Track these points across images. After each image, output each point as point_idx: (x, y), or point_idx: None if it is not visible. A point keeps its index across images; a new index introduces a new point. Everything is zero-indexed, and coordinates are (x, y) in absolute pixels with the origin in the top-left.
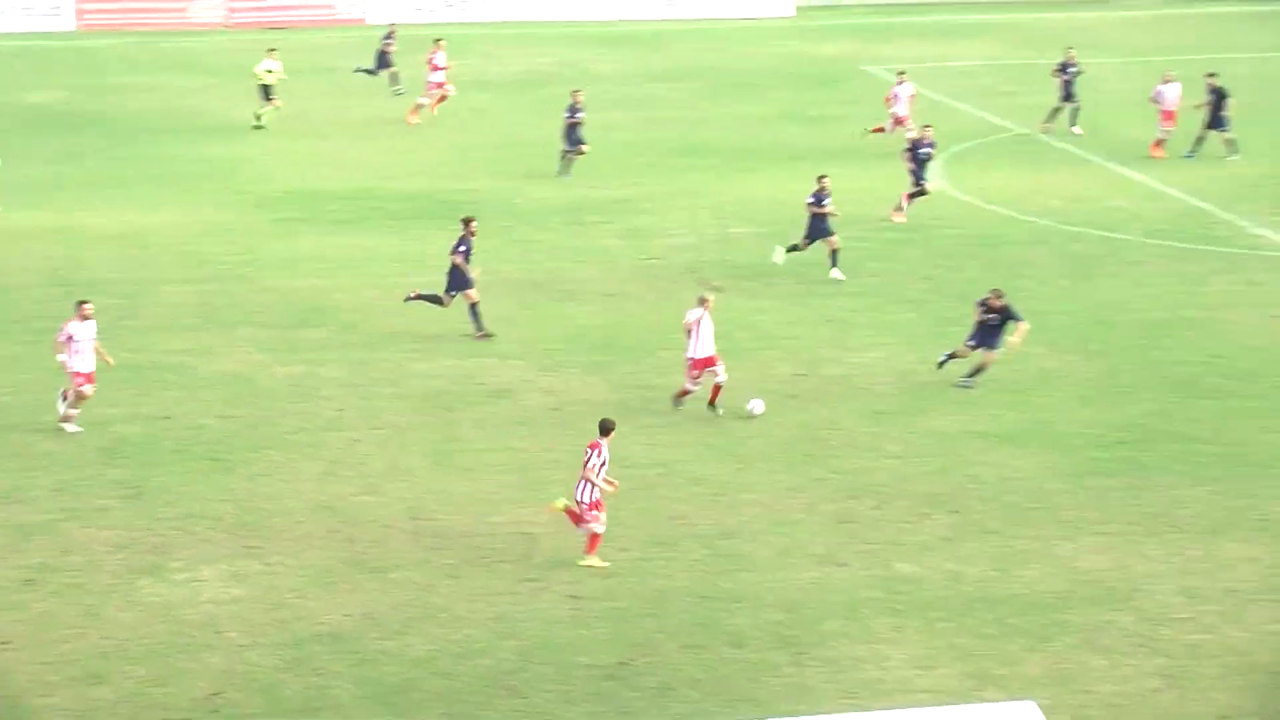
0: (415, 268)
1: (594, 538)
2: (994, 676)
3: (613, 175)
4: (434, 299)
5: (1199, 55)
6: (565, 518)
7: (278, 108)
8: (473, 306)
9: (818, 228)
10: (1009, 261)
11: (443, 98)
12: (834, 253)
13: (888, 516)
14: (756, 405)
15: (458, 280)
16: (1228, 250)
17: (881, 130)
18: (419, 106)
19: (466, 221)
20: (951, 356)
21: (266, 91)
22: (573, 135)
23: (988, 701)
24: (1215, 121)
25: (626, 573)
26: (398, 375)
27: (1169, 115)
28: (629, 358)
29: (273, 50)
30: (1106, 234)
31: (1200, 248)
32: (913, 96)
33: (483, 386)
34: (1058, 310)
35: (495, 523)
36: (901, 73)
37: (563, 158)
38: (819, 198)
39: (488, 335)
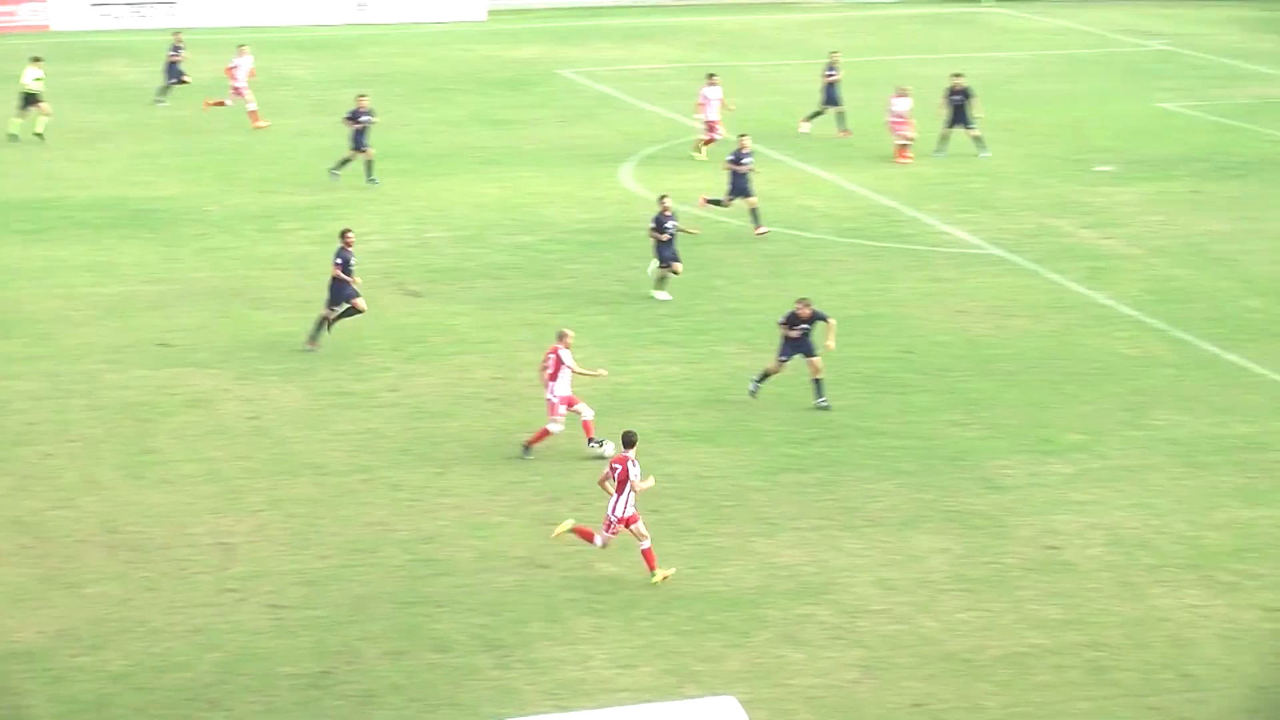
0: (105, 278)
1: (647, 554)
2: (694, 673)
3: (307, 181)
4: (346, 313)
5: (881, 56)
6: (575, 537)
7: (47, 114)
8: (324, 320)
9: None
10: (704, 261)
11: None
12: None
13: (587, 518)
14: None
15: (339, 293)
16: (915, 248)
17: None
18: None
19: (343, 233)
20: (765, 377)
21: (30, 100)
22: (359, 140)
23: (688, 698)
24: (960, 119)
25: (327, 580)
26: (91, 387)
27: (903, 122)
28: (326, 364)
29: (38, 59)
30: (799, 233)
31: (889, 245)
32: (722, 101)
33: (178, 397)
34: (752, 309)
35: (193, 534)
36: (711, 75)
37: (339, 163)
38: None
39: (316, 348)
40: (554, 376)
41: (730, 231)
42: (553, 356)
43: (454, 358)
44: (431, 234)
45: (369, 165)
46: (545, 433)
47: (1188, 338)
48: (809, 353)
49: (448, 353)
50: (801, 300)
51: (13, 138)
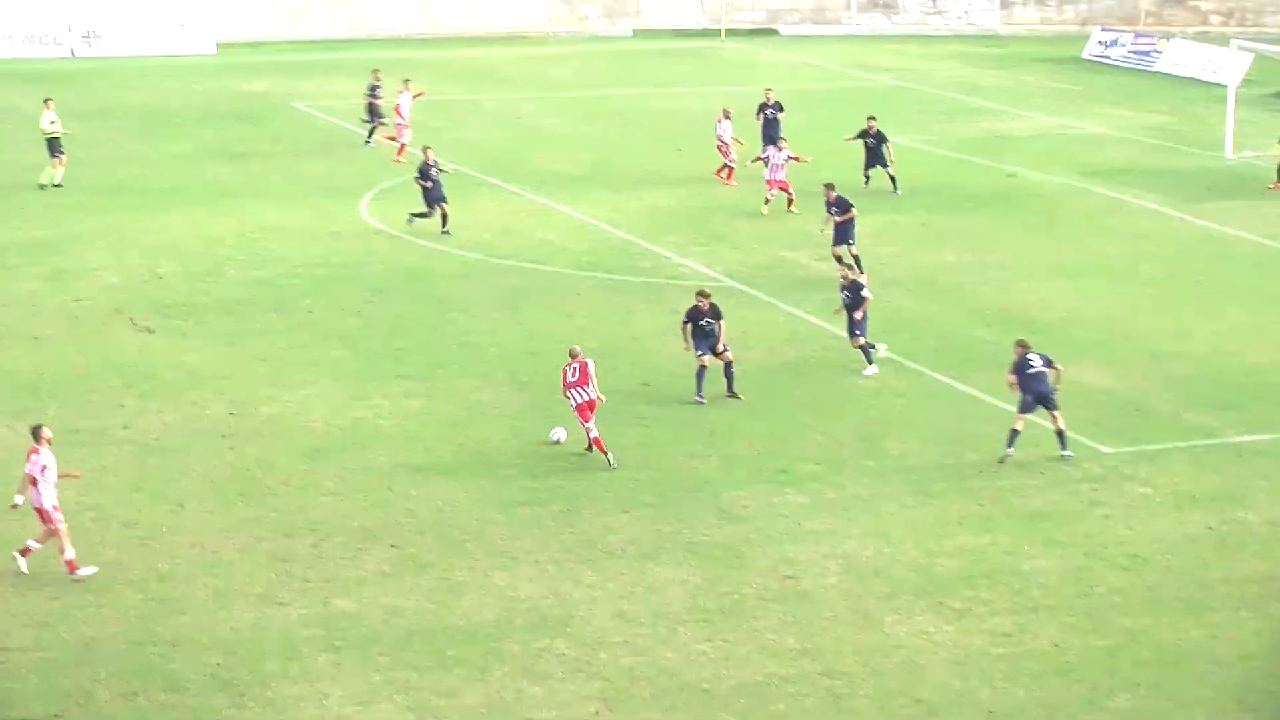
0: None
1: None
2: (434, 708)
3: (34, 216)
4: None
5: (616, 90)
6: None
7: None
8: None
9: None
10: (440, 295)
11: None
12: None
13: (325, 553)
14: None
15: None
16: (653, 280)
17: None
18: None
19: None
20: (702, 370)
21: (53, 146)
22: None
23: None
24: (876, 160)
25: (56, 622)
26: None
27: (726, 148)
28: (55, 402)
29: (49, 100)
30: (536, 266)
31: (627, 279)
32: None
33: None
34: (490, 343)
35: None
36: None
37: None
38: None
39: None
40: None
41: (467, 264)
42: None
43: (187, 393)
44: (164, 268)
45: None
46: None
47: (920, 368)
48: (716, 351)
49: (181, 388)
50: (700, 292)
51: (47, 187)
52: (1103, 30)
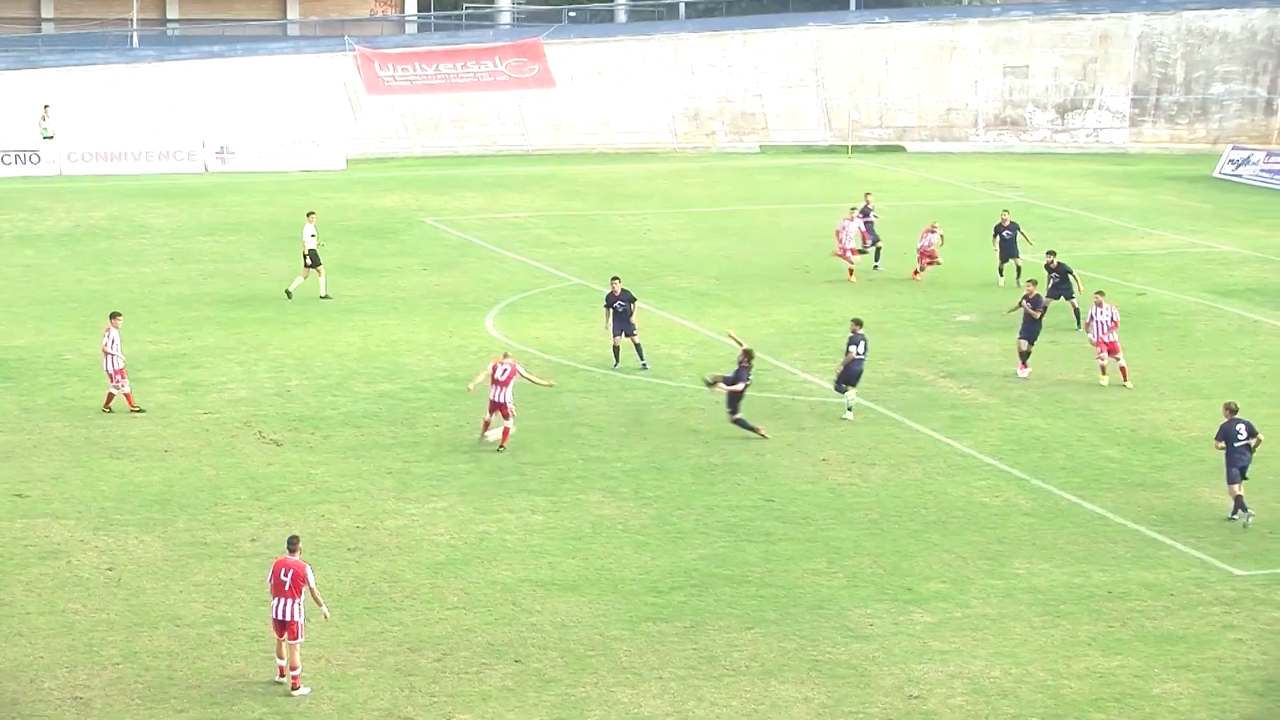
0: None
1: None
2: None
3: (167, 329)
4: None
5: (739, 205)
6: None
7: (314, 274)
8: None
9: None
10: (565, 410)
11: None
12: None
13: (449, 668)
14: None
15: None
16: (778, 396)
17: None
18: None
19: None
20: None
21: (313, 258)
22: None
23: None
24: (1011, 253)
25: None
26: None
27: (931, 251)
28: (185, 514)
29: (312, 214)
30: (661, 381)
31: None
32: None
33: (33, 548)
34: (614, 458)
35: (46, 689)
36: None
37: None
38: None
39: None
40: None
41: (592, 380)
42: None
43: (314, 507)
44: (292, 382)
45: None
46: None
47: (1047, 487)
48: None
49: (308, 502)
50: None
51: (322, 297)
52: (1234, 149)
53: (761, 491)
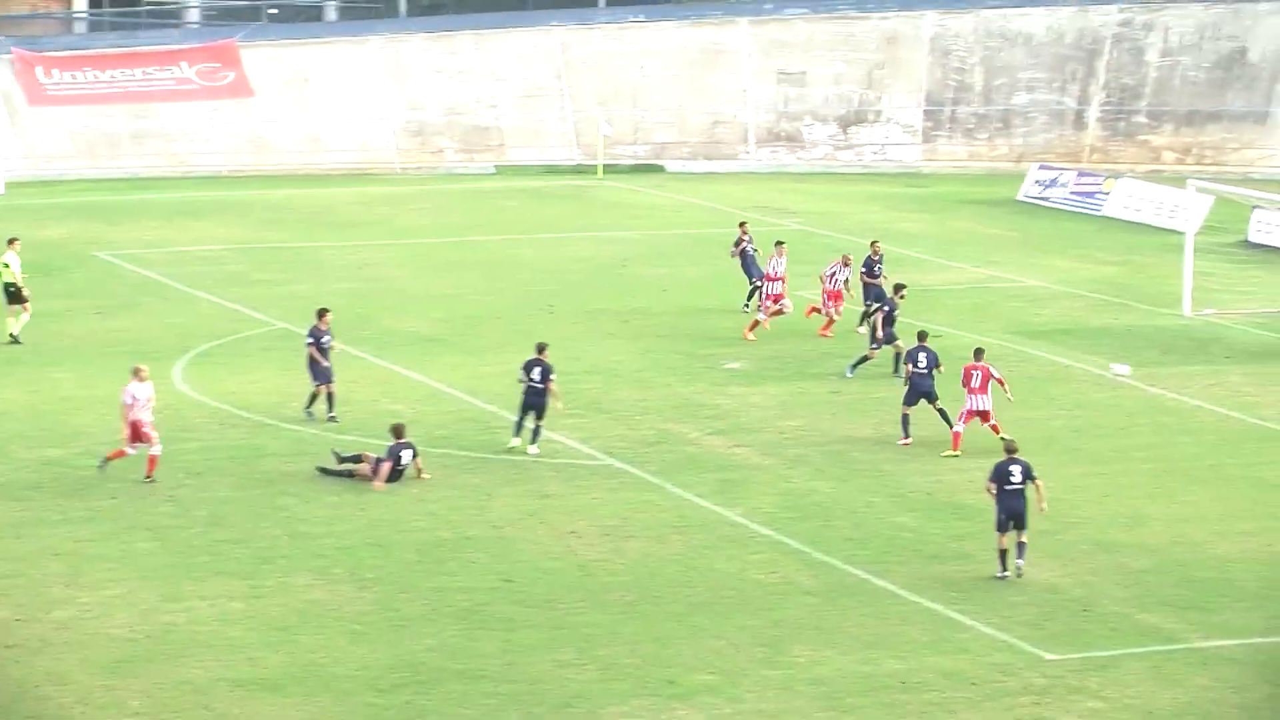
0: None
1: None
2: None
3: None
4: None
5: (477, 236)
6: None
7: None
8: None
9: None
10: (268, 477)
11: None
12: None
13: None
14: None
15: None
16: (517, 459)
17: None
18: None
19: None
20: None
21: (14, 295)
22: None
23: None
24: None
25: None
26: None
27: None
28: None
29: (14, 241)
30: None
31: (486, 456)
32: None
33: None
34: (326, 532)
35: None
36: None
37: None
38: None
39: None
40: None
41: (301, 441)
42: None
43: None
44: None
45: None
46: None
47: (831, 560)
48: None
49: None
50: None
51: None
52: (1041, 168)
53: (499, 571)
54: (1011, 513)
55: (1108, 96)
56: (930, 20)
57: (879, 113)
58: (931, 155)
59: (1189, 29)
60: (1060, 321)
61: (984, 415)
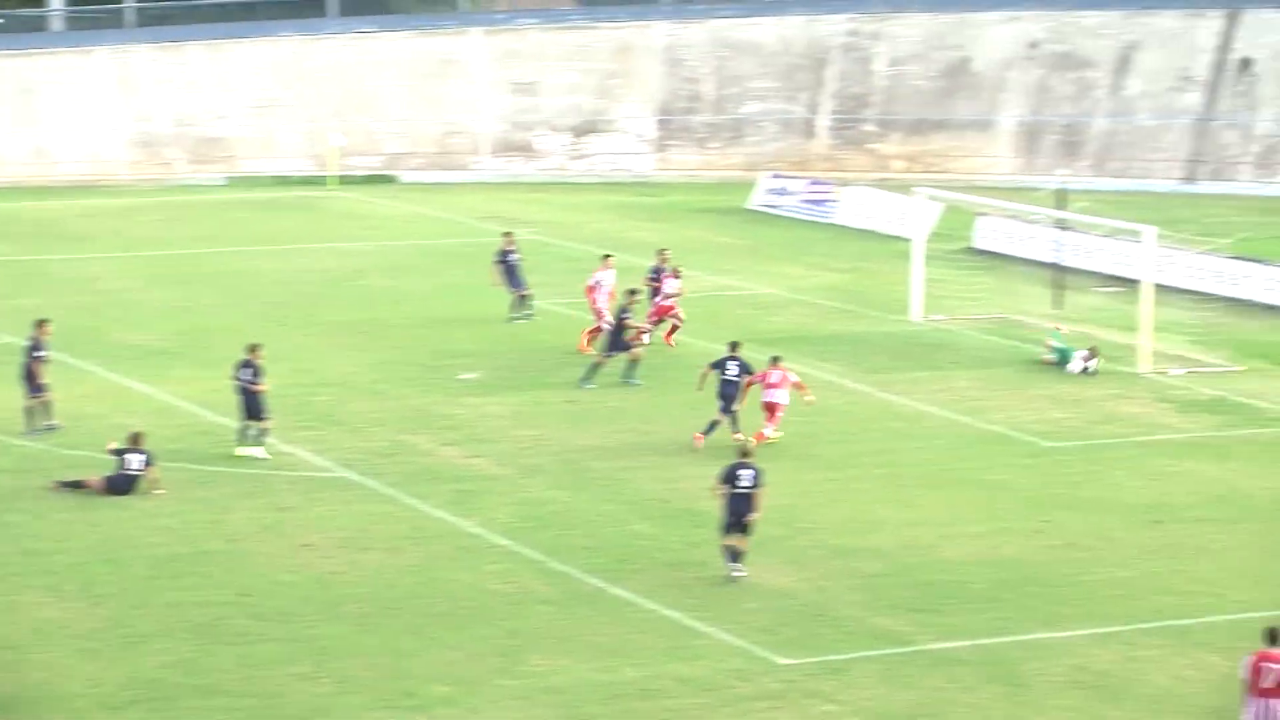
0: None
1: None
2: None
3: None
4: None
5: (204, 248)
6: None
7: None
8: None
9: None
10: None
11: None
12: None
13: None
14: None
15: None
16: (251, 472)
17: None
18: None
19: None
20: None
21: None
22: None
23: None
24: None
25: None
26: None
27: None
28: None
29: None
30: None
31: (220, 470)
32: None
33: None
34: (56, 549)
35: None
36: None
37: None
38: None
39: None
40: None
41: (28, 456)
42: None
43: None
44: None
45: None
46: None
47: (568, 569)
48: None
49: None
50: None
51: None
52: (772, 177)
53: (236, 585)
54: (737, 516)
55: (837, 105)
56: (662, 30)
57: (612, 122)
58: (664, 164)
59: (915, 38)
60: (792, 329)
61: (772, 408)
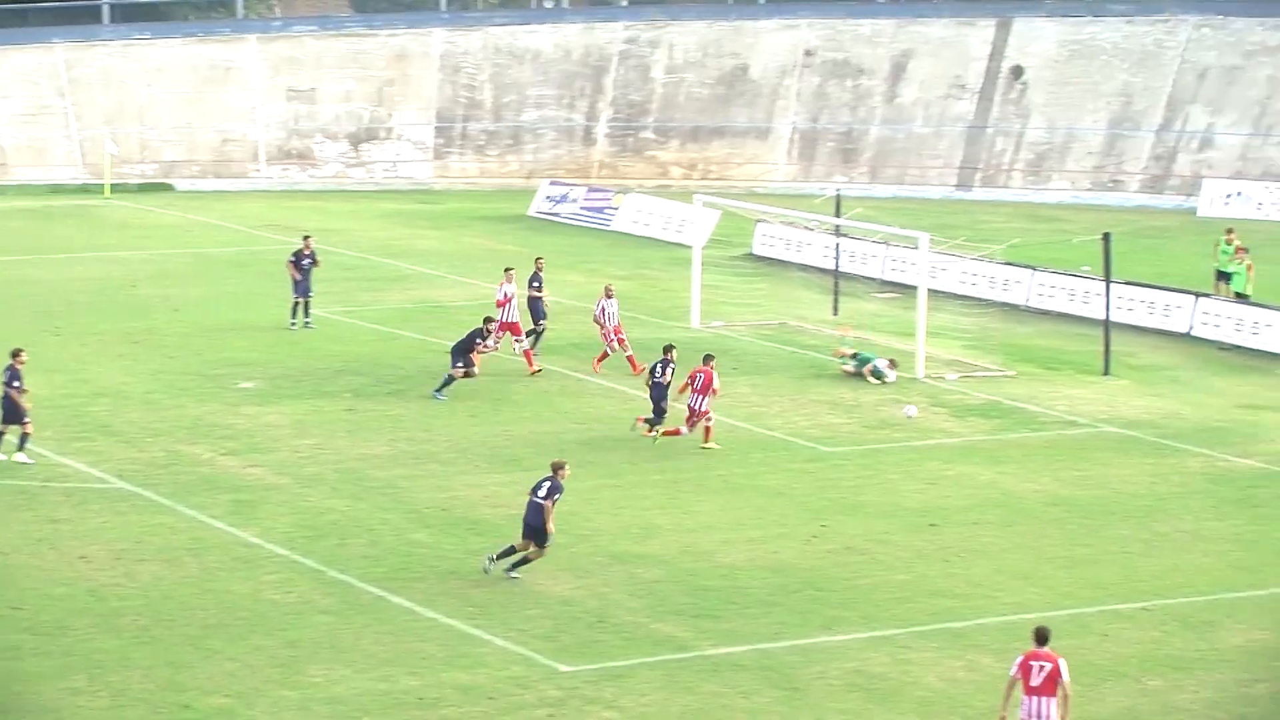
0: None
1: None
2: None
3: None
4: None
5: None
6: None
7: None
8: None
9: None
10: None
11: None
12: None
13: None
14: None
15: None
16: (23, 484)
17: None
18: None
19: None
20: None
21: None
22: None
23: None
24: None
25: None
26: None
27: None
28: None
29: None
30: None
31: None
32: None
33: None
34: None
35: None
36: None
37: None
38: None
39: None
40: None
41: None
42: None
43: None
44: None
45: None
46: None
47: (347, 579)
48: None
49: None
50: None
51: None
52: (551, 184)
53: (6, 598)
54: (529, 525)
55: (615, 113)
56: (439, 37)
57: (390, 130)
58: (443, 172)
59: (692, 46)
60: (572, 336)
61: (695, 413)
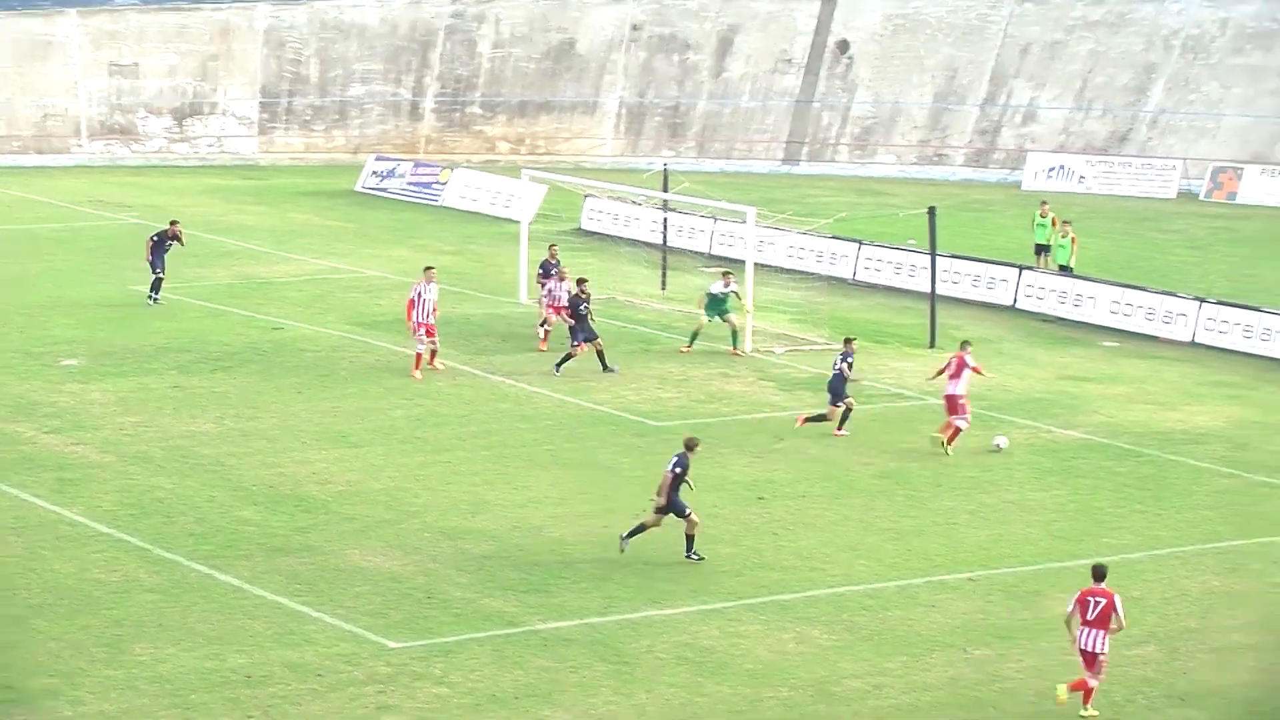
0: None
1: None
2: None
3: None
4: None
5: None
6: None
7: None
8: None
9: None
10: None
11: None
12: None
13: None
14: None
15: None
16: None
17: None
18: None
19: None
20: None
21: None
22: None
23: None
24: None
25: None
26: None
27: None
28: None
29: None
30: None
31: None
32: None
33: None
34: None
35: None
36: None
37: None
38: None
39: None
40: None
41: None
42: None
43: None
44: None
45: None
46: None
47: (173, 557)
48: None
49: None
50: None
51: None
52: (378, 159)
53: None
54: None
55: (442, 87)
56: (264, 12)
57: (215, 105)
58: (268, 147)
59: (519, 20)
60: (399, 311)
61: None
